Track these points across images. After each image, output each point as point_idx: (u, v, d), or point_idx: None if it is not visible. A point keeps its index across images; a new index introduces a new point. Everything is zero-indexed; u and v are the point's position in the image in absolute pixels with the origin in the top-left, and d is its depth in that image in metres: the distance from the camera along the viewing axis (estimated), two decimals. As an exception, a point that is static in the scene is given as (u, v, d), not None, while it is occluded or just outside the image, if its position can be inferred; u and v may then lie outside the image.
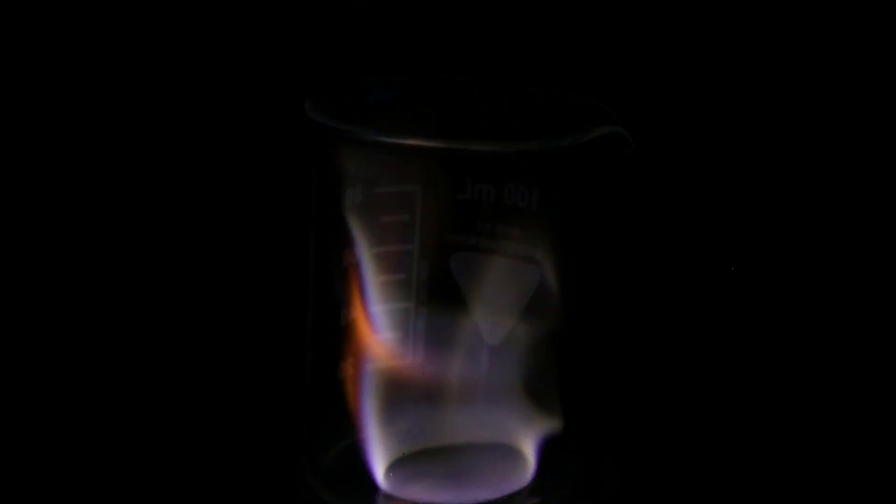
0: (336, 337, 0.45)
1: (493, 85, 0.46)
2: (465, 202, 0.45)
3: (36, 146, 0.54)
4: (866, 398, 0.52)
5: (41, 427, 0.48)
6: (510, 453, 0.45)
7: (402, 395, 0.45)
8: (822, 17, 0.54)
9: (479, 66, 0.50)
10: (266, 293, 0.55)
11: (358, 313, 0.45)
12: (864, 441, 0.50)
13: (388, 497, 0.44)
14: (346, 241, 0.44)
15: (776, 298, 0.55)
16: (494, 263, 0.45)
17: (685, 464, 0.49)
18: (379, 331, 0.45)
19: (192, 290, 0.55)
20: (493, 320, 0.44)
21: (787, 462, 0.49)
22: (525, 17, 0.52)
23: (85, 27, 0.54)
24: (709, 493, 0.48)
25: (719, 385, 0.53)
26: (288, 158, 0.52)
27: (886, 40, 0.53)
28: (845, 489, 0.48)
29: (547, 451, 0.46)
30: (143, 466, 0.47)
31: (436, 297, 0.45)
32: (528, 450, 0.45)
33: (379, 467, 0.45)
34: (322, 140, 0.44)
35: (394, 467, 0.45)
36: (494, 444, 0.45)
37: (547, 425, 0.46)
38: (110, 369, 0.52)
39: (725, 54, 0.54)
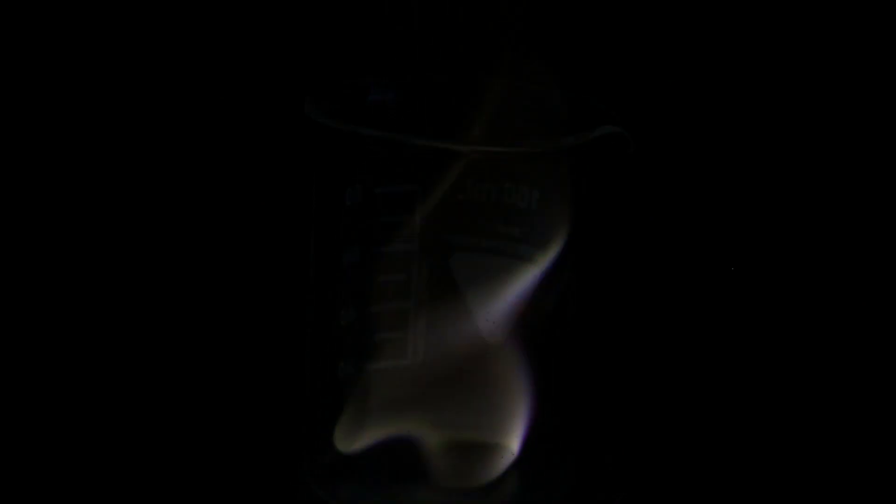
0: (336, 337, 0.45)
1: (494, 85, 0.46)
2: (465, 202, 0.45)
3: (36, 146, 0.54)
4: (866, 398, 0.52)
5: (41, 427, 0.48)
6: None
7: (401, 394, 0.45)
8: (822, 17, 0.54)
9: (479, 67, 0.50)
10: (266, 293, 0.54)
11: (358, 312, 0.45)
12: (864, 441, 0.50)
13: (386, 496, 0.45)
14: (346, 241, 0.44)
15: (776, 298, 0.55)
16: (494, 263, 0.45)
17: (685, 464, 0.49)
18: (379, 331, 0.45)
19: (191, 291, 0.55)
20: (493, 320, 0.44)
21: (787, 462, 0.49)
22: (525, 17, 0.52)
23: (85, 27, 0.54)
24: (709, 493, 0.48)
25: (720, 385, 0.53)
26: (288, 158, 0.52)
27: (886, 40, 0.53)
28: (845, 489, 0.48)
29: (546, 450, 0.46)
30: (144, 466, 0.47)
31: (436, 297, 0.45)
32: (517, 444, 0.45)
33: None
34: (322, 140, 0.44)
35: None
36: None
37: (544, 424, 0.46)
38: (110, 369, 0.52)
39: (725, 54, 0.54)
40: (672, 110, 0.54)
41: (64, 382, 0.51)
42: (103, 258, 0.55)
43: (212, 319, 0.54)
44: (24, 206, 0.54)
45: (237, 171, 0.55)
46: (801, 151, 0.55)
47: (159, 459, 0.47)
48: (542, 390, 0.45)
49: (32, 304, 0.54)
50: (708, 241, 0.55)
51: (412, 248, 0.45)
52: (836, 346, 0.54)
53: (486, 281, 0.45)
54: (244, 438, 0.48)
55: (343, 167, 0.44)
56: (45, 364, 0.52)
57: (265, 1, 0.54)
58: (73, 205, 0.55)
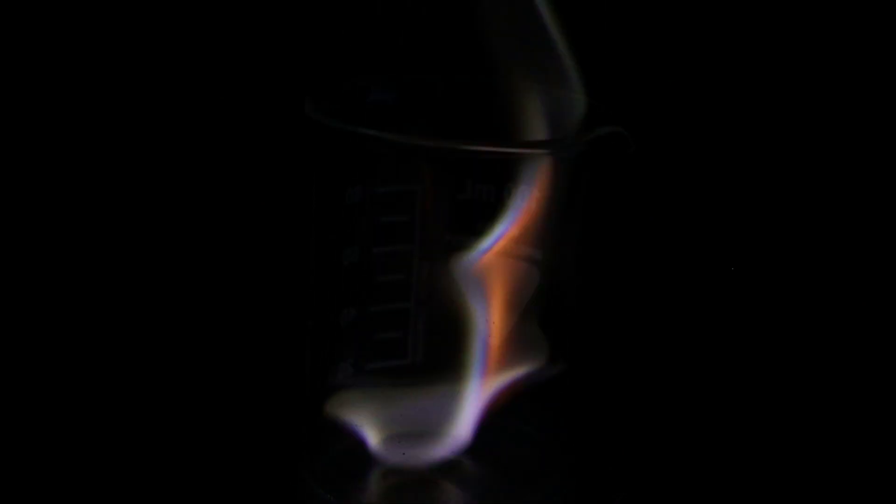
0: (336, 337, 0.45)
1: (494, 85, 0.46)
2: (465, 202, 0.45)
3: (35, 146, 0.54)
4: (866, 398, 0.52)
5: (41, 427, 0.48)
6: None
7: (401, 394, 0.45)
8: (821, 17, 0.54)
9: (479, 67, 0.50)
10: (265, 293, 0.54)
11: (358, 312, 0.45)
12: (864, 441, 0.50)
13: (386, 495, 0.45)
14: (346, 241, 0.44)
15: (776, 298, 0.55)
16: (494, 263, 0.45)
17: (685, 464, 0.49)
18: (379, 331, 0.45)
19: (191, 291, 0.55)
20: (493, 320, 0.44)
21: (786, 462, 0.49)
22: (525, 17, 0.52)
23: (85, 27, 0.54)
24: (708, 493, 0.48)
25: (720, 385, 0.53)
26: (288, 158, 0.52)
27: (886, 40, 0.53)
28: (845, 489, 0.48)
29: (546, 450, 0.46)
30: (144, 466, 0.47)
31: (436, 297, 0.45)
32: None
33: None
34: (322, 140, 0.44)
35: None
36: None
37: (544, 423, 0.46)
38: (110, 369, 0.52)
39: (725, 54, 0.54)
40: (672, 110, 0.54)
41: (64, 383, 0.51)
42: (103, 259, 0.55)
43: (212, 319, 0.54)
44: (24, 206, 0.54)
45: (237, 170, 0.55)
46: (802, 151, 0.55)
47: (159, 459, 0.47)
48: (541, 390, 0.45)
49: (32, 304, 0.54)
50: (708, 241, 0.55)
51: (412, 248, 0.45)
52: (835, 348, 0.54)
53: (486, 281, 0.45)
54: (244, 438, 0.48)
55: (343, 167, 0.44)
56: (44, 364, 0.52)
57: (265, 1, 0.54)
58: (73, 205, 0.55)
